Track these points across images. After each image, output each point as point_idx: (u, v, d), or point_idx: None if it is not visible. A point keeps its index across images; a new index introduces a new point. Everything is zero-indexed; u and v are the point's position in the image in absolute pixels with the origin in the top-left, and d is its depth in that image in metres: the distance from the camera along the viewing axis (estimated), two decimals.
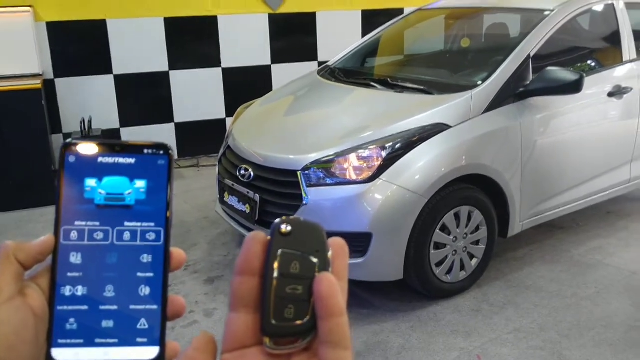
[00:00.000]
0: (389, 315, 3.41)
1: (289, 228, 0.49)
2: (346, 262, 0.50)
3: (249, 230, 3.66)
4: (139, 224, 0.52)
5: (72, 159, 0.52)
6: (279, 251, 0.48)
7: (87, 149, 0.52)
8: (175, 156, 6.19)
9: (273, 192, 3.46)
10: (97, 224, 0.52)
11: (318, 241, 0.49)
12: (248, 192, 3.56)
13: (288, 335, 0.47)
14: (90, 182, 0.52)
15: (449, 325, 3.31)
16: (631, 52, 4.25)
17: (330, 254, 0.49)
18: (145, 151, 0.53)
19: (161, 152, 0.54)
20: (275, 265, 0.48)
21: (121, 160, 0.53)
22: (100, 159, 0.52)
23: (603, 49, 4.52)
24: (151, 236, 0.52)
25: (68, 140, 0.52)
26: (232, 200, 3.74)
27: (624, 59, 4.23)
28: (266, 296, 0.47)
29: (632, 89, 4.14)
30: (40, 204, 4.98)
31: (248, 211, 3.56)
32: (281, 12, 6.34)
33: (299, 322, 0.47)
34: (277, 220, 0.50)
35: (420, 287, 3.46)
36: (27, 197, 5.03)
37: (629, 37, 4.26)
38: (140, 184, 0.53)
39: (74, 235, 0.51)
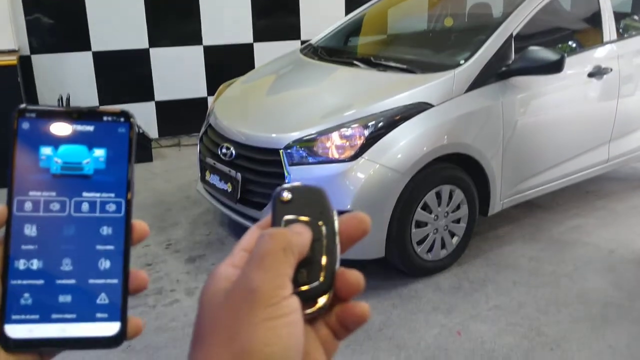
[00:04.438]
0: (370, 292, 3.43)
1: (290, 195, 0.49)
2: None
3: (231, 209, 3.65)
4: (98, 194, 0.50)
5: (26, 125, 0.49)
6: (283, 219, 0.48)
7: (43, 115, 0.49)
8: (156, 135, 6.14)
9: (255, 170, 3.45)
10: (54, 194, 0.49)
11: (320, 204, 0.50)
12: (230, 171, 3.54)
13: (307, 299, 0.47)
14: (46, 151, 0.49)
15: (430, 302, 3.34)
16: (611, 33, 4.26)
17: (335, 212, 0.50)
18: (105, 118, 0.51)
19: (122, 119, 0.51)
20: None
21: (79, 127, 0.50)
22: (56, 126, 0.50)
23: (584, 29, 4.54)
24: (111, 207, 0.50)
25: (22, 105, 0.49)
26: (213, 179, 3.72)
27: (605, 40, 4.24)
28: None
29: (611, 70, 4.16)
30: None
31: (230, 190, 3.55)
32: None
33: (314, 284, 0.47)
34: (277, 188, 0.50)
35: (402, 265, 3.49)
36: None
37: (609, 18, 4.27)
38: (100, 152, 0.50)
39: (28, 206, 0.49)
